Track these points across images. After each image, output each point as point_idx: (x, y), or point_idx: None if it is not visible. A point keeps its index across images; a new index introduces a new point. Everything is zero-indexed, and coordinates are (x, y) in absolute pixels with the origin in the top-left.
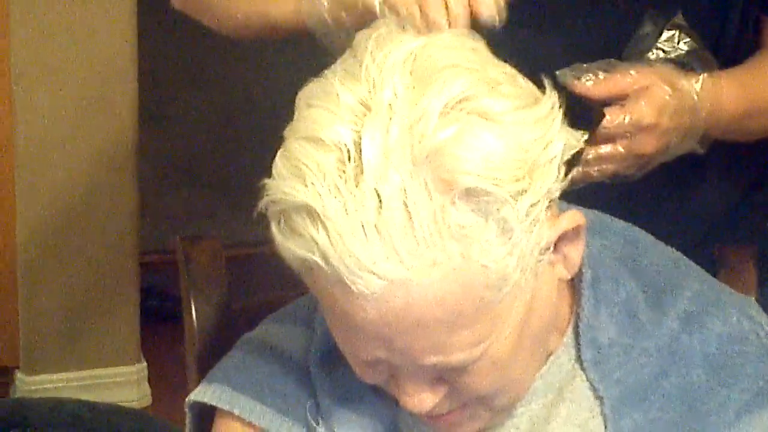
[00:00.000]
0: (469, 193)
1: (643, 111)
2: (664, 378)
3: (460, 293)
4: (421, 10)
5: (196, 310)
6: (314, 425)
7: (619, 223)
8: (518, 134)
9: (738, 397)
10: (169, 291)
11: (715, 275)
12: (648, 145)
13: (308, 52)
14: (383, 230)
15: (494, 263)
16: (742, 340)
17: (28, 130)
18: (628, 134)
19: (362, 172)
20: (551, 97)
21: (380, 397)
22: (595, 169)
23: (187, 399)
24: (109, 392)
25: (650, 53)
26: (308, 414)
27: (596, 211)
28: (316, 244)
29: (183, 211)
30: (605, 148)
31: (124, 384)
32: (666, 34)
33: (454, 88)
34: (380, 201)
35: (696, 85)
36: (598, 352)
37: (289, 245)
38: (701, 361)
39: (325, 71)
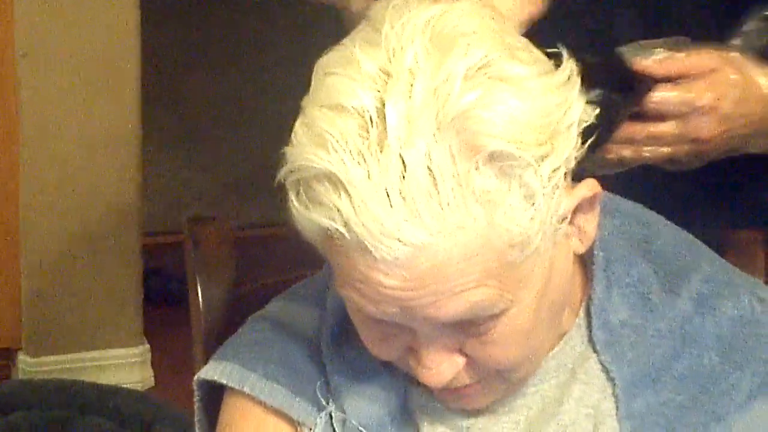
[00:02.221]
0: (494, 157)
1: (701, 91)
2: (676, 360)
3: (485, 255)
4: None
5: (203, 292)
6: (324, 404)
7: (632, 204)
8: (540, 99)
9: (750, 380)
10: (172, 272)
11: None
12: (705, 129)
13: (314, 33)
14: (408, 195)
15: (517, 227)
16: (755, 323)
17: (33, 112)
18: (682, 114)
19: (386, 138)
20: (569, 64)
21: (391, 376)
22: (647, 149)
23: (195, 377)
24: (112, 374)
25: (735, 39)
26: (318, 393)
27: (608, 192)
28: (339, 211)
29: (187, 192)
30: (656, 127)
31: (128, 366)
32: (753, 24)
33: (477, 53)
34: (404, 166)
35: None
36: (610, 334)
37: (309, 214)
38: (714, 343)
39: (343, 41)
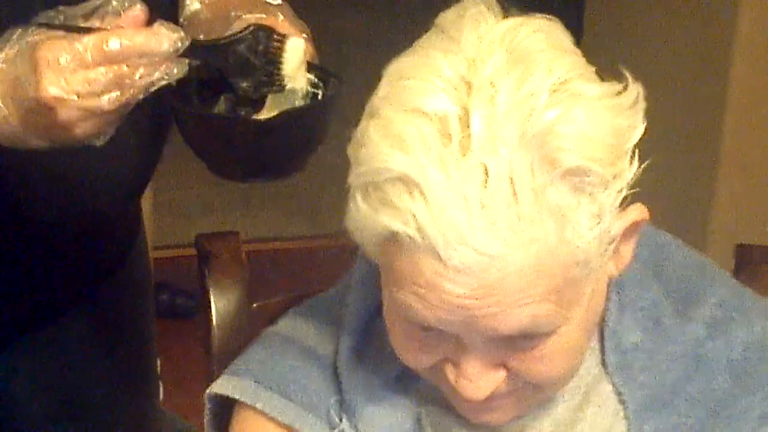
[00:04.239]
0: (569, 173)
1: None
2: (687, 383)
3: (552, 270)
4: None
5: (215, 309)
6: (338, 421)
7: (646, 226)
8: (612, 119)
9: (761, 404)
10: (180, 287)
11: (736, 274)
12: None
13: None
14: (487, 204)
15: (583, 244)
16: (766, 349)
17: None
18: None
19: (470, 144)
20: (636, 87)
21: (405, 396)
22: None
23: (208, 390)
24: None
25: None
26: (331, 410)
27: None
28: (413, 215)
29: (195, 206)
30: None
31: None
32: None
33: (559, 70)
34: (486, 174)
35: None
36: (623, 357)
37: (378, 217)
38: (725, 367)
39: (415, 47)
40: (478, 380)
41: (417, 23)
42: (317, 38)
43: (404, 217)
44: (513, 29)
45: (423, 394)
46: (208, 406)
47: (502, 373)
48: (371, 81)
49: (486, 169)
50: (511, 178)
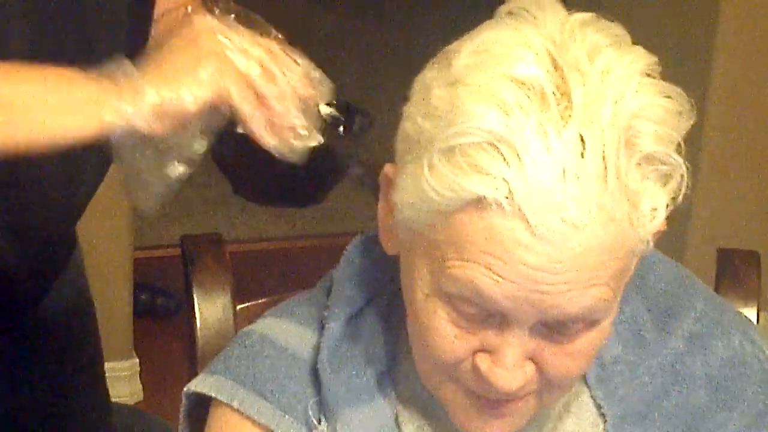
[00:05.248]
0: (645, 160)
1: None
2: (665, 397)
3: (618, 253)
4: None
5: (200, 311)
6: (316, 423)
7: None
8: (679, 118)
9: (738, 420)
10: (160, 287)
11: (718, 279)
12: None
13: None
14: (582, 176)
15: (645, 234)
16: (744, 364)
17: None
18: None
19: (571, 114)
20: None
21: (385, 398)
22: None
23: (185, 388)
24: None
25: None
26: (310, 411)
27: None
28: (506, 181)
29: (175, 207)
30: None
31: (117, 379)
32: None
33: (647, 59)
34: (584, 146)
35: None
36: (602, 370)
37: (462, 182)
38: (703, 382)
39: (489, 26)
40: (514, 370)
41: (390, 23)
42: (290, 38)
43: (494, 182)
44: (591, 19)
45: (403, 397)
46: (184, 402)
47: (532, 367)
48: (344, 80)
49: (583, 141)
50: (604, 155)
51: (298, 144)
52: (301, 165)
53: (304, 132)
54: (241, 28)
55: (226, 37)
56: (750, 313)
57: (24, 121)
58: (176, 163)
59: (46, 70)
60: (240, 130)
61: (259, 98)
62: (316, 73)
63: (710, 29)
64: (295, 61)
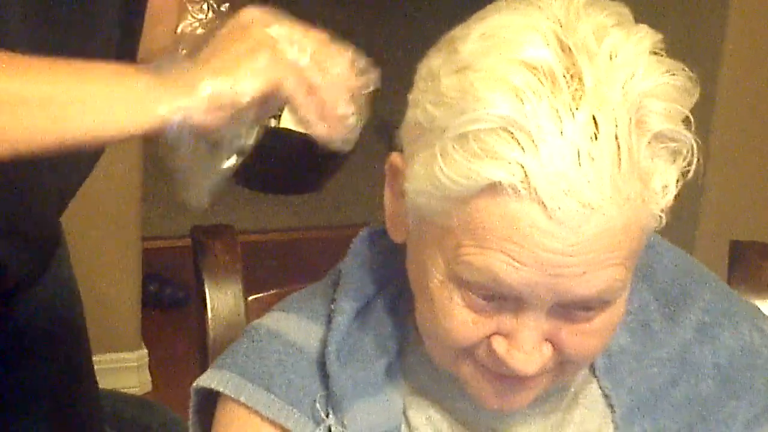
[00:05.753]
0: (656, 139)
1: None
2: (674, 387)
3: (632, 233)
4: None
5: (211, 302)
6: (323, 417)
7: None
8: (687, 96)
9: (747, 409)
10: (169, 277)
11: (730, 271)
12: None
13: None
14: (596, 157)
15: (657, 211)
16: (753, 353)
17: None
18: None
19: (583, 97)
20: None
21: (393, 390)
22: None
23: (194, 383)
24: (110, 378)
25: None
26: (317, 405)
27: None
28: (521, 165)
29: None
30: None
31: (125, 370)
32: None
33: (653, 39)
34: (596, 128)
35: None
36: (610, 360)
37: (477, 168)
38: (712, 372)
39: (491, 10)
40: (532, 352)
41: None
42: None
43: (509, 167)
44: (591, 2)
45: (412, 388)
46: (193, 399)
47: (549, 348)
48: None
49: (596, 123)
50: (616, 135)
51: (348, 133)
52: (301, 152)
53: (353, 121)
54: (288, 19)
55: (275, 28)
56: (763, 305)
57: (75, 117)
58: (228, 155)
59: (98, 64)
60: (273, 123)
61: (310, 88)
62: (362, 62)
63: (719, 23)
64: (341, 51)
